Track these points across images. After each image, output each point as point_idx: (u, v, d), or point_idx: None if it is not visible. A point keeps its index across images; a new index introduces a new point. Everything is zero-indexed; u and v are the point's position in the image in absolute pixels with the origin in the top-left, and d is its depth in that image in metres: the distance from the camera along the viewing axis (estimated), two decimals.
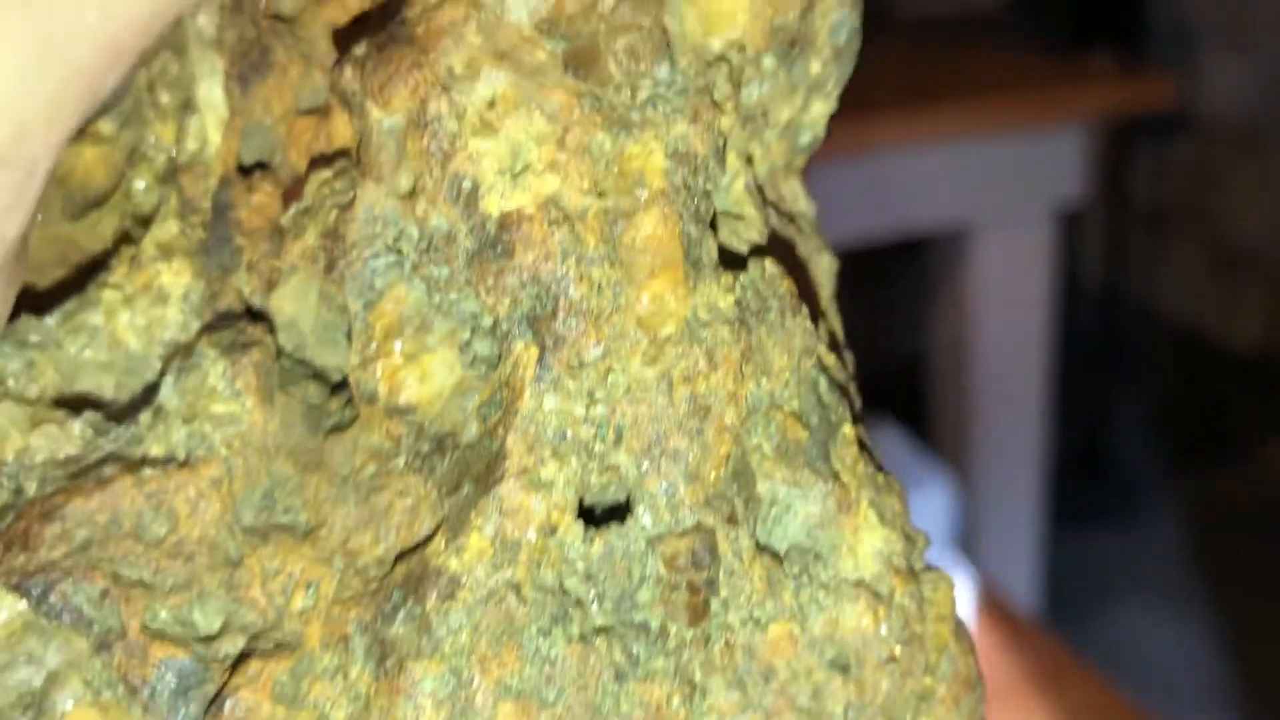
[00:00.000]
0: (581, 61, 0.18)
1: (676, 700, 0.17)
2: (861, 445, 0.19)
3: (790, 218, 0.21)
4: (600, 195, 0.18)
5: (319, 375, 0.19)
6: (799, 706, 0.18)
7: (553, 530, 0.17)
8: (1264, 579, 1.84)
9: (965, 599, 1.15)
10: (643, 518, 0.17)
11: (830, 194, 1.36)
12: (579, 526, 0.17)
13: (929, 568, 0.19)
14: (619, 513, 0.18)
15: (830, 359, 0.20)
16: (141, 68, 0.19)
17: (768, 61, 0.20)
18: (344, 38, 0.19)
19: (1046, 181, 1.43)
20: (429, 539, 0.17)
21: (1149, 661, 1.71)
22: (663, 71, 0.18)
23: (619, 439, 0.17)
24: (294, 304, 0.18)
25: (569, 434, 0.17)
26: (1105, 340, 2.33)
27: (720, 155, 0.19)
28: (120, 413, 0.18)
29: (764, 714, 0.18)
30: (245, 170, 0.19)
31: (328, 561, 0.18)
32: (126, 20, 0.14)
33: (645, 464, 0.17)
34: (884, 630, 0.18)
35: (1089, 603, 1.81)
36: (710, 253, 0.18)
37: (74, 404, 0.18)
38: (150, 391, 0.18)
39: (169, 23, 0.15)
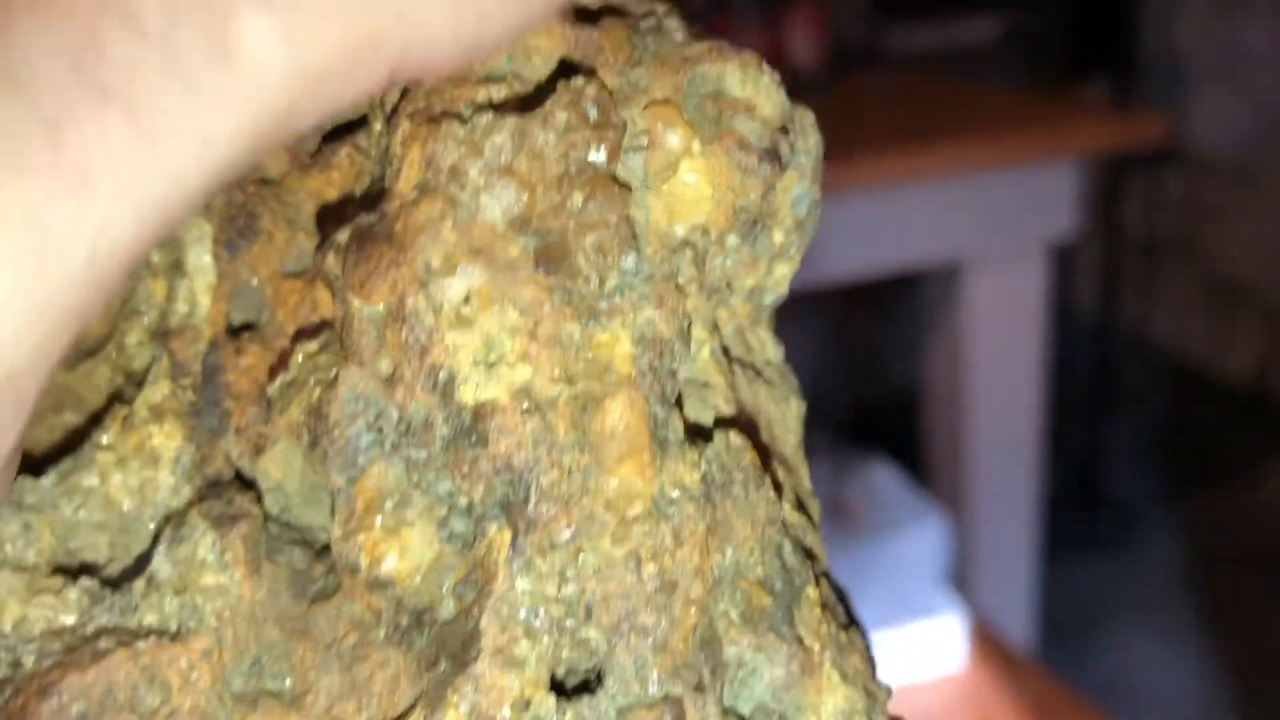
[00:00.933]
0: (552, 257, 0.19)
1: None
2: (824, 605, 0.20)
3: (757, 370, 0.22)
4: (570, 383, 0.19)
5: (305, 539, 0.19)
6: None
7: (526, 704, 0.18)
8: (1258, 607, 1.84)
9: (959, 636, 1.15)
10: (612, 689, 0.18)
11: (827, 229, 1.37)
12: (551, 699, 0.18)
13: (888, 717, 0.20)
14: (590, 683, 0.18)
15: (795, 518, 0.20)
16: None
17: (731, 240, 0.21)
18: (327, 218, 0.20)
19: (1040, 216, 1.44)
20: (408, 711, 0.18)
21: (1144, 690, 1.71)
22: (629, 262, 0.19)
23: (589, 615, 0.18)
24: (280, 469, 0.19)
25: (541, 612, 0.18)
26: (1099, 371, 2.34)
27: (685, 335, 0.20)
28: (115, 580, 0.19)
29: None
30: (234, 331, 0.20)
31: None
32: (110, 258, 0.15)
33: (615, 638, 0.18)
34: None
35: (1084, 633, 1.81)
36: (676, 431, 0.19)
37: (70, 570, 0.19)
38: (144, 560, 0.19)
39: (149, 250, 0.15)
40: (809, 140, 0.21)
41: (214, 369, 0.20)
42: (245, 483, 0.20)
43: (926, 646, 1.16)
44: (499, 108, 0.19)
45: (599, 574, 0.18)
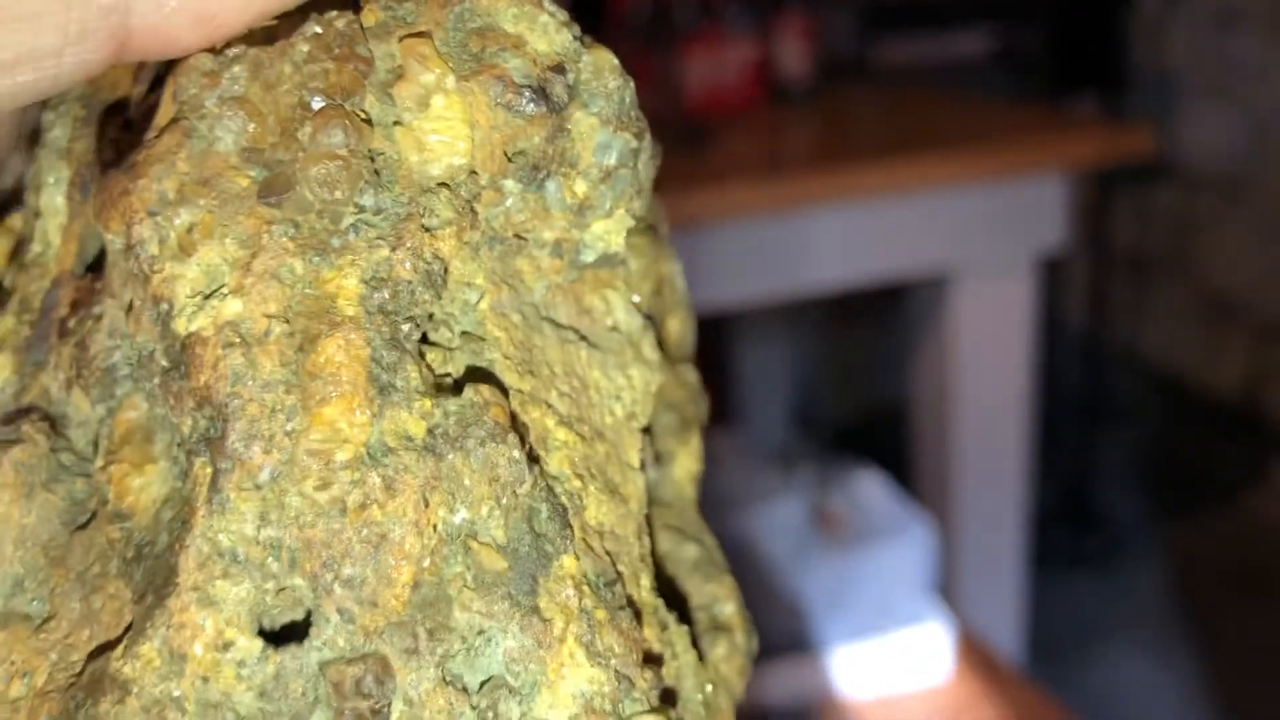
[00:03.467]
0: (277, 188, 0.18)
1: None
2: (585, 581, 0.19)
3: (583, 334, 0.21)
4: (286, 320, 0.18)
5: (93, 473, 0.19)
6: None
7: (225, 647, 0.17)
8: (1246, 626, 1.84)
9: (944, 646, 1.15)
10: (316, 641, 0.17)
11: (815, 240, 1.37)
12: (257, 645, 0.17)
13: (650, 710, 0.19)
14: (298, 633, 0.18)
15: (576, 485, 0.19)
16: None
17: (509, 185, 0.20)
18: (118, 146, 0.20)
19: (1028, 228, 1.44)
20: (116, 642, 0.18)
21: (1131, 708, 1.70)
22: (367, 199, 0.18)
23: (293, 562, 0.17)
24: (89, 403, 0.19)
25: (241, 554, 0.17)
26: (1088, 386, 2.34)
27: (433, 280, 0.19)
28: None
29: None
30: (87, 269, 0.20)
31: (46, 654, 0.18)
32: None
33: (320, 589, 0.17)
34: None
35: (1072, 650, 1.80)
36: (407, 379, 0.18)
37: None
38: None
39: None
40: (606, 84, 0.20)
41: (50, 305, 0.20)
42: (56, 416, 0.20)
43: (912, 657, 1.16)
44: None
45: (300, 519, 0.17)
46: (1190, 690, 1.74)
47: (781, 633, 1.20)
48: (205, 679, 0.17)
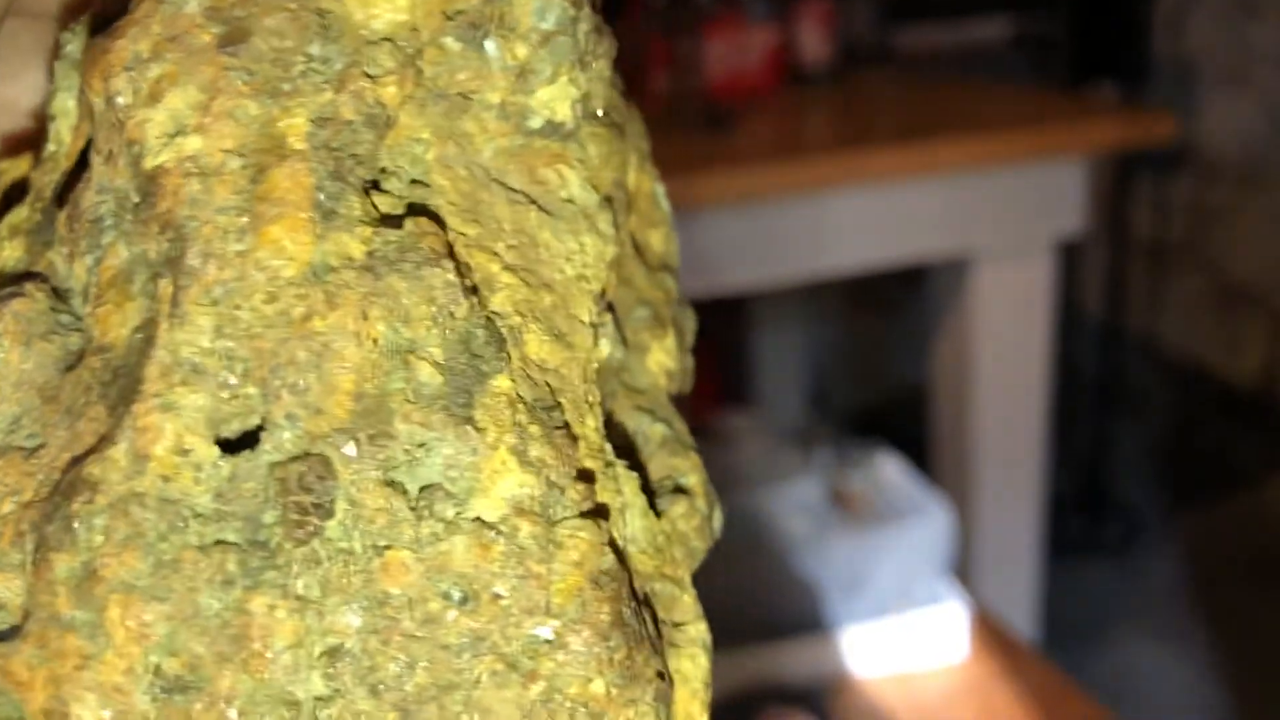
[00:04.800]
0: (234, 39, 0.20)
1: (282, 612, 0.19)
2: (520, 401, 0.20)
3: (534, 199, 0.22)
4: (241, 155, 0.20)
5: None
6: (410, 632, 0.19)
7: (185, 451, 0.19)
8: (1259, 613, 1.84)
9: (961, 626, 1.15)
10: (266, 444, 0.19)
11: (834, 223, 1.37)
12: (215, 451, 0.19)
13: (580, 515, 0.20)
14: (250, 440, 0.19)
15: (517, 321, 0.21)
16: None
17: (450, 43, 0.21)
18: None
19: (1047, 213, 1.44)
20: (90, 451, 0.20)
21: (1144, 694, 1.71)
22: (315, 49, 0.21)
23: (246, 372, 0.19)
24: (86, 273, 0.21)
25: (198, 364, 0.19)
26: (1105, 373, 2.34)
27: (376, 122, 0.21)
28: None
29: (377, 636, 0.19)
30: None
31: (34, 475, 0.20)
32: None
33: (269, 395, 0.19)
34: (496, 567, 0.19)
35: (1085, 634, 1.81)
36: (351, 208, 0.20)
37: None
38: None
39: None
40: None
41: (59, 193, 0.22)
42: (61, 288, 0.22)
43: (929, 636, 1.16)
44: None
45: (250, 331, 0.19)
46: (1204, 676, 1.74)
47: (799, 612, 1.21)
48: (165, 479, 0.19)
